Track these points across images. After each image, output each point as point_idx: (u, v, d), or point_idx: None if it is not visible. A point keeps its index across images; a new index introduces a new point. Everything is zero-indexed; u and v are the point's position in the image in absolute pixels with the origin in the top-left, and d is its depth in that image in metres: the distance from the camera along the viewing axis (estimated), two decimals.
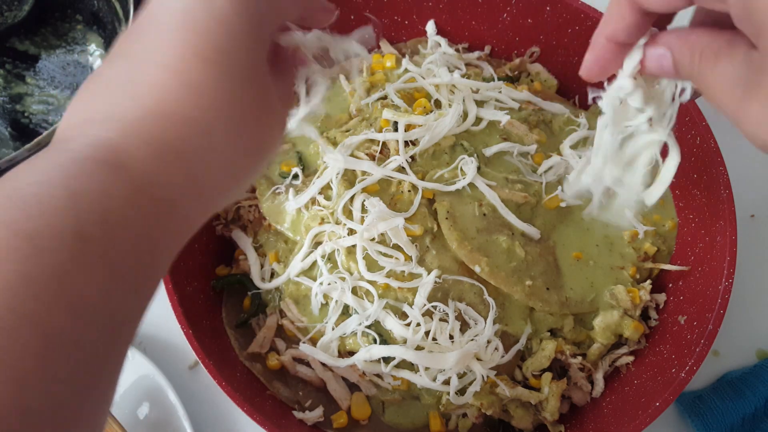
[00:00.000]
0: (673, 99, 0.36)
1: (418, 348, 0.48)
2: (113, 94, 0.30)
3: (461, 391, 0.49)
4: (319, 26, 0.38)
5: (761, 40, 0.29)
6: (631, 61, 0.35)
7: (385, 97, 0.57)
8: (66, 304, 0.23)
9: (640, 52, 0.35)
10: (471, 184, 0.52)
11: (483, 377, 0.48)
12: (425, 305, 0.49)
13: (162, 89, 0.29)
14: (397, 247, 0.50)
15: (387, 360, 0.49)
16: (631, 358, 0.52)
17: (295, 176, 0.56)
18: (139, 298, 0.27)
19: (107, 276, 0.25)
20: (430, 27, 0.64)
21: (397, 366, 0.49)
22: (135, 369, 0.54)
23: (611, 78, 0.37)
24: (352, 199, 0.51)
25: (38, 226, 0.24)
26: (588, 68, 0.37)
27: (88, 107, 0.30)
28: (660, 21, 0.35)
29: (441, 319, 0.49)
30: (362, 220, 0.50)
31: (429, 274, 0.49)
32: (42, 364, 0.22)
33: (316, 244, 0.52)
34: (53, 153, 0.27)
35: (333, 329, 0.50)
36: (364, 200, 0.50)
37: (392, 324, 0.49)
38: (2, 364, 0.21)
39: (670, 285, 0.55)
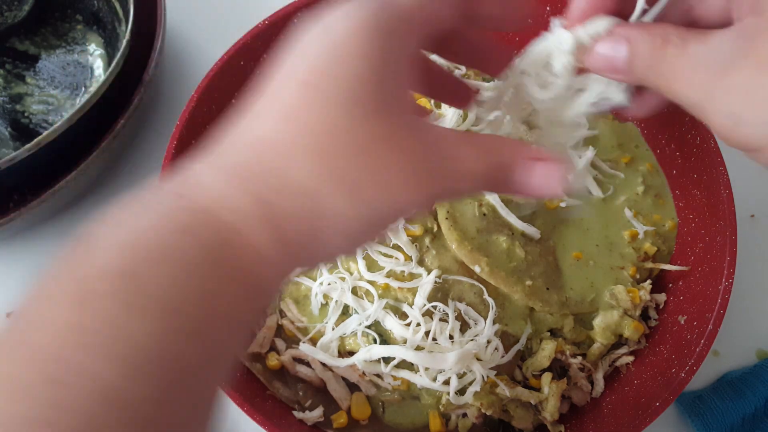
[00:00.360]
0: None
1: (418, 348, 0.48)
2: (227, 127, 0.28)
3: (461, 391, 0.49)
4: (511, 24, 0.31)
5: (751, 12, 0.27)
6: (590, 27, 0.31)
7: None
8: (116, 354, 0.21)
9: (604, 23, 0.31)
10: None
11: (483, 377, 0.48)
12: (425, 305, 0.49)
13: (258, 116, 0.27)
14: (397, 247, 0.50)
15: (387, 360, 0.49)
16: (631, 358, 0.52)
17: None
18: (204, 347, 0.24)
19: (162, 319, 0.22)
20: None
21: (397, 366, 0.49)
22: None
23: None
24: None
25: (90, 269, 0.23)
26: (576, 6, 0.32)
27: (207, 145, 0.29)
28: None
29: (441, 319, 0.49)
30: None
31: (429, 274, 0.49)
32: (89, 423, 0.20)
33: None
34: (148, 193, 0.26)
35: (333, 329, 0.50)
36: None
37: (392, 324, 0.49)
38: (48, 422, 0.20)
39: (670, 285, 0.55)
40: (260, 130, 0.26)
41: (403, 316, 0.49)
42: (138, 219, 0.24)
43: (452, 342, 0.48)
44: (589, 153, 0.56)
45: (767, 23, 0.26)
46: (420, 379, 0.48)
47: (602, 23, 0.31)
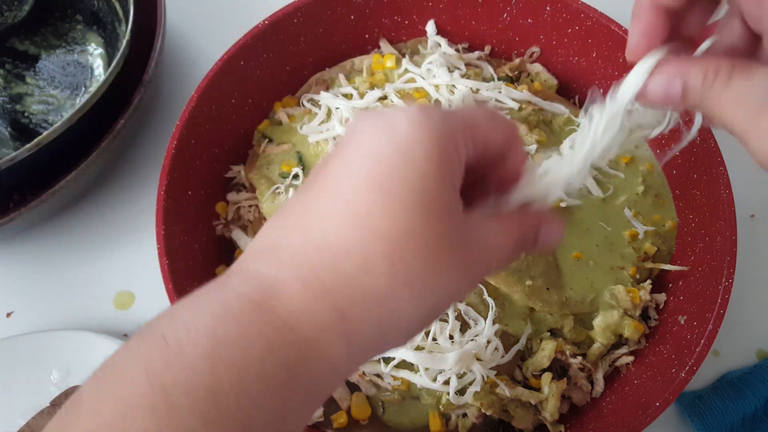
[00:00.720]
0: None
1: (418, 348, 0.48)
2: (286, 225, 0.28)
3: (461, 391, 0.49)
4: (514, 171, 0.33)
5: None
6: (645, 64, 0.33)
7: (385, 98, 0.57)
8: None
9: (658, 56, 0.33)
10: None
11: (483, 377, 0.48)
12: None
13: (328, 219, 0.27)
14: None
15: (387, 360, 0.49)
16: (631, 358, 0.52)
17: (296, 176, 0.56)
18: None
19: None
20: (430, 27, 0.64)
21: (397, 366, 0.49)
22: None
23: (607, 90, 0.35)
24: None
25: (176, 380, 0.23)
26: (635, 45, 0.34)
27: (262, 240, 0.29)
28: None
29: (441, 319, 0.49)
30: None
31: None
32: None
33: None
34: (215, 289, 0.27)
35: None
36: None
37: None
38: None
39: (670, 285, 0.55)
40: (333, 237, 0.27)
41: None
42: (222, 329, 0.25)
43: (452, 342, 0.48)
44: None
45: None
46: (420, 379, 0.48)
47: (655, 58, 0.33)
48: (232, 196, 0.59)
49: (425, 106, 0.29)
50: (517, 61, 0.63)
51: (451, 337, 0.49)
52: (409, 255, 0.26)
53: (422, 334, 0.48)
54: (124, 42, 0.57)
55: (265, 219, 0.56)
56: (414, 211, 0.27)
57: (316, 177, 0.29)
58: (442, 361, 0.47)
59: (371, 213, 0.26)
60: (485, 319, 0.49)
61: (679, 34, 0.35)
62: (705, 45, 0.34)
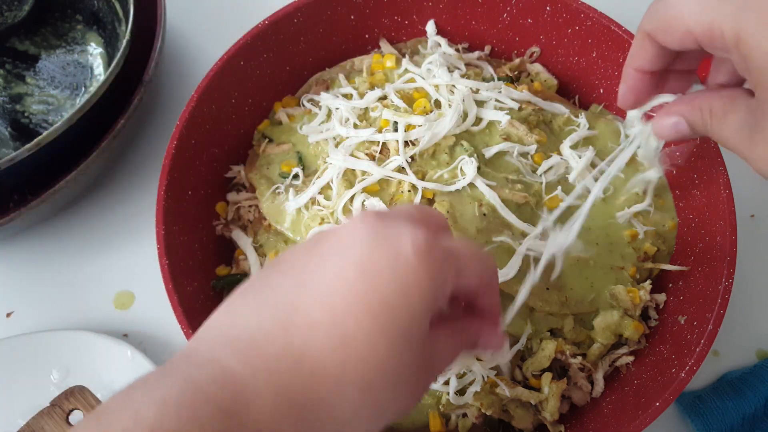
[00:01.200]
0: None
1: None
2: (261, 312, 0.28)
3: (461, 392, 0.49)
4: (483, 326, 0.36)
5: (758, 90, 0.34)
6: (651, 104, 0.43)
7: (384, 97, 0.57)
8: None
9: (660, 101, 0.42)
10: (471, 185, 0.52)
11: (483, 377, 0.48)
12: None
13: (313, 330, 0.27)
14: None
15: None
16: (631, 358, 0.52)
17: (295, 176, 0.56)
18: None
19: None
20: (430, 27, 0.64)
21: None
22: (135, 369, 0.54)
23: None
24: (352, 199, 0.51)
25: None
26: (623, 98, 0.43)
27: (232, 319, 0.29)
28: (679, 60, 0.41)
29: None
30: None
31: None
32: None
33: None
34: (181, 370, 0.26)
35: None
36: (364, 200, 0.50)
37: None
38: None
39: (670, 285, 0.55)
40: (315, 352, 0.27)
41: None
42: None
43: None
44: (589, 153, 0.56)
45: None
46: None
47: (659, 101, 0.43)
48: (232, 196, 0.59)
49: (429, 233, 0.30)
50: (517, 61, 0.63)
51: None
52: (380, 384, 0.28)
53: None
54: (124, 42, 0.57)
55: (264, 219, 0.56)
56: (396, 342, 0.28)
57: (293, 263, 0.29)
58: None
59: (357, 338, 0.27)
60: None
61: (675, 70, 0.42)
62: (692, 89, 0.43)
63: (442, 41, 0.62)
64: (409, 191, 0.51)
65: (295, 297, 0.28)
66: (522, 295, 0.42)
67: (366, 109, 0.56)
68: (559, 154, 0.57)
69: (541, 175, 0.55)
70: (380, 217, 0.30)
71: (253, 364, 0.27)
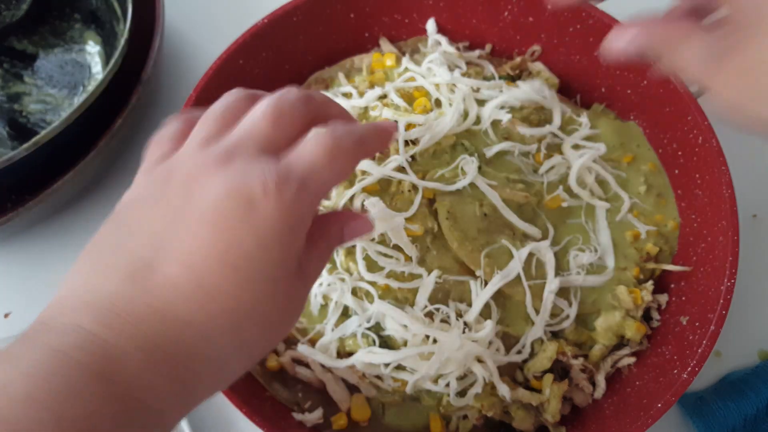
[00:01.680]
0: None
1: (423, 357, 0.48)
2: (119, 274, 0.28)
3: (462, 393, 0.48)
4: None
5: (733, 7, 0.32)
6: None
7: (384, 96, 0.56)
8: None
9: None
10: (472, 184, 0.52)
11: (484, 379, 0.48)
12: (426, 306, 0.48)
13: (176, 291, 0.27)
14: (397, 248, 0.49)
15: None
16: (632, 359, 0.52)
17: None
18: None
19: None
20: (431, 25, 0.64)
21: (397, 367, 0.49)
22: None
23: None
24: (351, 198, 0.50)
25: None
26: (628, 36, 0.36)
27: (92, 280, 0.28)
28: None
29: (442, 320, 0.49)
30: None
31: (429, 274, 0.49)
32: None
33: None
34: (44, 340, 0.26)
35: (332, 330, 0.50)
36: (364, 200, 0.50)
37: (392, 325, 0.48)
38: None
39: (672, 285, 0.55)
40: (181, 310, 0.27)
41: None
42: (69, 407, 0.24)
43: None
44: (590, 153, 0.56)
45: (743, 32, 0.32)
46: (421, 381, 0.48)
47: None
48: None
49: (278, 162, 0.30)
50: (518, 59, 0.63)
51: None
52: (250, 328, 0.29)
53: (422, 335, 0.48)
54: (123, 41, 0.56)
55: None
56: (261, 289, 0.29)
57: (145, 218, 0.30)
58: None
59: (222, 292, 0.28)
60: (486, 320, 0.49)
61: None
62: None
63: (443, 40, 0.62)
64: (409, 191, 0.51)
65: (153, 258, 0.28)
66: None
67: (366, 108, 0.56)
68: (561, 153, 0.57)
69: (542, 175, 0.55)
70: (224, 158, 0.30)
71: (118, 327, 0.27)
